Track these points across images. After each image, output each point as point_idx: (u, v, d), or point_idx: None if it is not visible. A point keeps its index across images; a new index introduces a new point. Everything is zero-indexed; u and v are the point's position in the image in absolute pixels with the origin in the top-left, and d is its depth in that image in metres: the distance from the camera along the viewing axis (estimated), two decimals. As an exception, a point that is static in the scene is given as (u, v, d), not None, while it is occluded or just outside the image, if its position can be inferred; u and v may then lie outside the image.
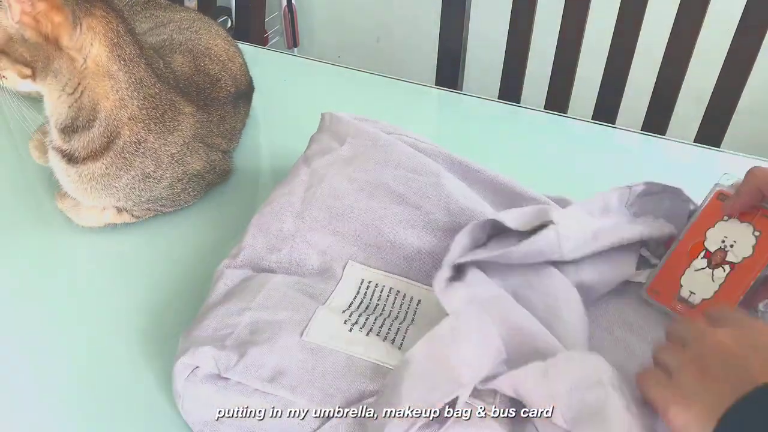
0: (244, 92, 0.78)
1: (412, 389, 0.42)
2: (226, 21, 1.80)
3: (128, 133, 0.60)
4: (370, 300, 0.54)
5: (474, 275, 0.51)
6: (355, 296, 0.54)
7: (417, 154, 0.63)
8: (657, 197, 0.59)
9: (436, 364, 0.44)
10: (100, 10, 0.58)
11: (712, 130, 0.97)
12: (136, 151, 0.61)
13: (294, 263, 0.56)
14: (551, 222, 0.52)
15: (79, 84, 0.58)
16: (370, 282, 0.55)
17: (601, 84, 1.01)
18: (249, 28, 1.14)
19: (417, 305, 0.54)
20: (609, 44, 0.98)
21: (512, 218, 0.54)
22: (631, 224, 0.57)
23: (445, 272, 0.51)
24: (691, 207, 0.59)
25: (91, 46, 0.57)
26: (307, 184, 0.61)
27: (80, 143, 0.60)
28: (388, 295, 0.55)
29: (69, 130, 0.60)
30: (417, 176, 0.61)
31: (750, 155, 0.77)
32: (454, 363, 0.44)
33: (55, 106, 0.60)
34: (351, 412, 0.44)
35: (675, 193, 0.58)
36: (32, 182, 0.72)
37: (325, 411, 0.45)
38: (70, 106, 0.59)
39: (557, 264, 0.54)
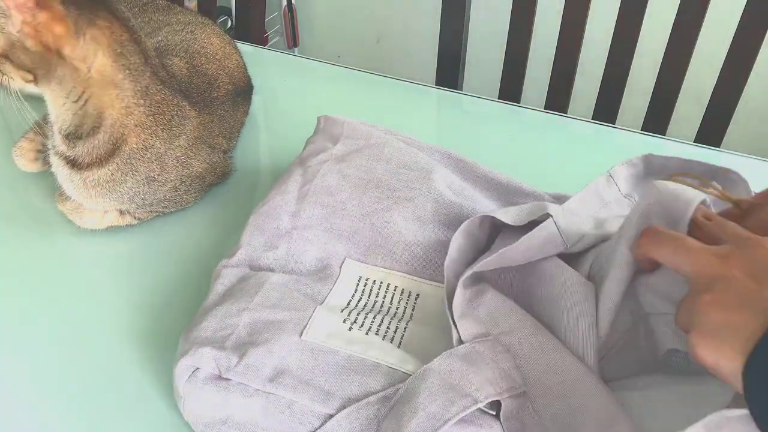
0: (243, 90, 0.78)
1: (430, 402, 0.42)
2: (226, 21, 1.81)
3: (135, 139, 0.60)
4: (368, 297, 0.54)
5: (485, 302, 0.50)
6: (353, 294, 0.54)
7: (410, 150, 0.63)
8: (649, 180, 0.58)
9: (455, 379, 0.44)
10: (103, 21, 0.57)
11: (712, 130, 0.97)
12: (143, 157, 0.61)
13: (291, 260, 0.56)
14: (548, 215, 0.51)
15: (83, 92, 0.58)
16: (367, 279, 0.55)
17: (601, 84, 1.02)
18: (249, 28, 1.14)
19: (416, 300, 0.54)
20: (609, 44, 0.98)
21: (508, 215, 0.54)
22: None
23: (459, 295, 0.50)
24: None
25: (94, 56, 0.57)
26: (301, 182, 0.61)
27: (85, 150, 0.60)
28: (386, 292, 0.55)
29: (73, 136, 0.60)
30: (407, 171, 0.61)
31: (750, 155, 0.77)
32: (472, 380, 0.44)
33: (59, 113, 0.60)
34: (351, 411, 0.44)
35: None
36: (32, 183, 0.72)
37: (325, 410, 0.45)
38: (74, 114, 0.59)
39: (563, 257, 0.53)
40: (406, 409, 0.43)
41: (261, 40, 1.16)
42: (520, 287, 0.52)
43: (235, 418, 0.46)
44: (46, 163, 0.68)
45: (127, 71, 0.59)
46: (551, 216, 0.50)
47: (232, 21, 1.64)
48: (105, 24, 0.57)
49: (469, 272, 0.50)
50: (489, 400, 0.43)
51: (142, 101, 0.60)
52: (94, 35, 0.57)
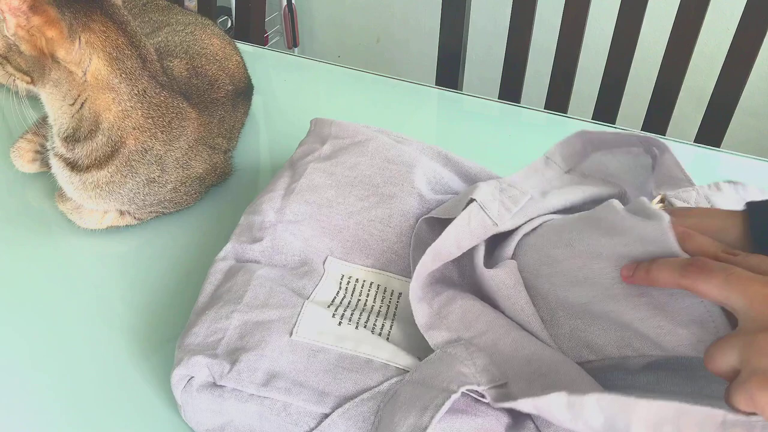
0: (243, 90, 0.78)
1: (406, 418, 0.42)
2: (226, 21, 1.81)
3: (134, 142, 0.60)
4: (352, 295, 0.54)
5: (455, 310, 0.50)
6: (338, 291, 0.54)
7: (396, 145, 0.63)
8: (604, 157, 0.58)
9: (428, 383, 0.43)
10: (98, 24, 0.57)
11: (712, 130, 0.97)
12: (142, 159, 0.61)
13: (276, 250, 0.56)
14: (472, 200, 0.51)
15: (79, 96, 0.58)
16: (350, 277, 0.56)
17: (601, 84, 1.02)
18: (249, 28, 1.14)
19: (398, 299, 0.54)
20: (609, 44, 0.98)
21: (440, 210, 0.54)
22: (578, 186, 0.56)
23: (422, 310, 0.50)
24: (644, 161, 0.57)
25: (89, 60, 0.57)
26: (288, 182, 0.61)
27: (84, 152, 0.60)
28: (369, 290, 0.55)
29: (72, 139, 0.60)
30: (391, 165, 0.61)
31: (750, 155, 0.77)
32: (444, 378, 0.43)
33: (57, 116, 0.60)
34: (347, 409, 0.44)
35: (618, 147, 0.57)
36: (32, 184, 0.72)
37: (321, 410, 0.45)
38: (71, 116, 0.59)
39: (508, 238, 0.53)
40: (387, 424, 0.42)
41: (261, 40, 1.16)
42: (479, 294, 0.52)
43: (233, 424, 0.46)
44: (45, 164, 0.68)
45: (123, 75, 0.58)
46: (475, 200, 0.51)
47: (232, 21, 1.64)
48: (100, 28, 0.57)
49: (413, 283, 0.50)
50: (464, 389, 0.41)
51: (139, 104, 0.60)
52: (89, 39, 0.56)
